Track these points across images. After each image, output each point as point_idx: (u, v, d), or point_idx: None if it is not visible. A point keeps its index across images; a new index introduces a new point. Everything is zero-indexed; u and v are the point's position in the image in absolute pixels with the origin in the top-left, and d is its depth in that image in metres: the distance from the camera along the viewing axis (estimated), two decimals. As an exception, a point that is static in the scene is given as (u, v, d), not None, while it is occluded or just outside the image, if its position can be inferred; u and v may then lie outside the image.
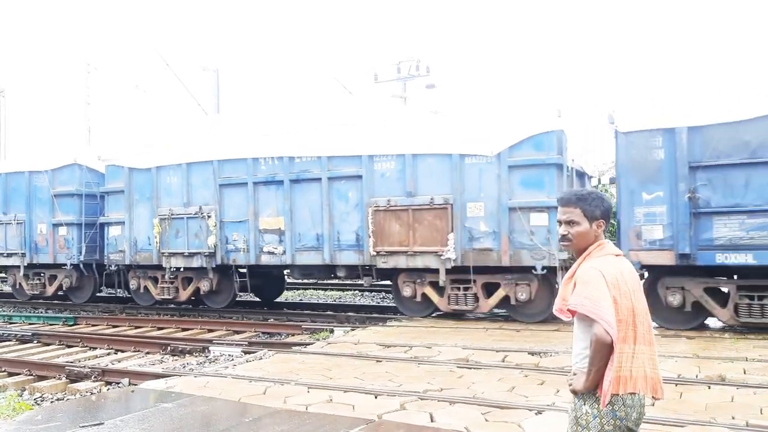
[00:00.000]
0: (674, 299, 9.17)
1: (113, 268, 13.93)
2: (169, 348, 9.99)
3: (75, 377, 8.34)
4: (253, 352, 8.94)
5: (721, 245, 8.77)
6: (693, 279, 9.16)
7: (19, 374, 8.76)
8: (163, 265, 13.12)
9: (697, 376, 6.42)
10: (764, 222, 8.51)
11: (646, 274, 9.50)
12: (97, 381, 8.16)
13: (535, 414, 5.27)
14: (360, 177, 11.22)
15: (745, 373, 6.57)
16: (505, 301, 10.53)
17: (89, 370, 8.38)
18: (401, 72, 28.11)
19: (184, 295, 13.34)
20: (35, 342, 11.09)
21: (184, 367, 8.87)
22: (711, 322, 9.69)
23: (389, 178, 11.04)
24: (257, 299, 15.20)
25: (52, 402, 7.46)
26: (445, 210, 10.44)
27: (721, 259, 8.79)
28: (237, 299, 13.84)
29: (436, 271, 10.64)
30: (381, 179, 11.11)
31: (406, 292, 11.10)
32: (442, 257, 10.47)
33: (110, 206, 13.96)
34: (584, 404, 2.61)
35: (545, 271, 9.90)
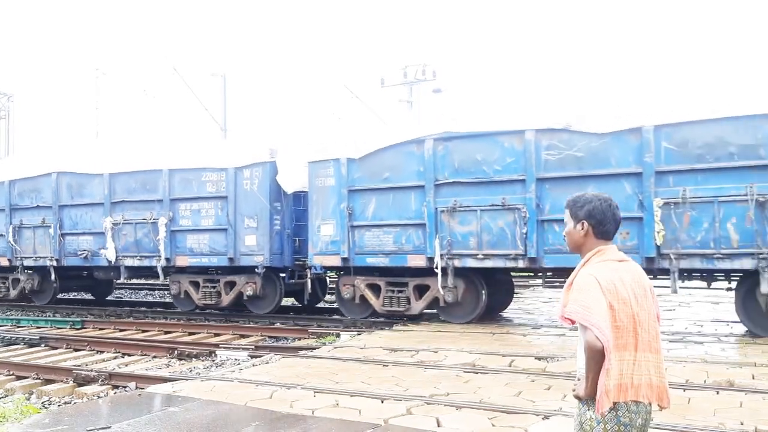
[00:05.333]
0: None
1: None
2: (176, 352, 10.01)
3: (82, 381, 8.36)
4: (260, 356, 8.94)
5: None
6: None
7: (26, 378, 8.79)
8: None
9: (705, 382, 6.38)
10: (94, 239, 14.15)
11: None
12: (104, 385, 8.18)
13: (542, 419, 5.25)
14: None
15: (753, 378, 6.53)
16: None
17: (96, 373, 8.40)
18: (408, 76, 28.13)
19: None
20: (43, 346, 11.13)
21: (190, 371, 8.88)
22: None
23: None
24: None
25: (59, 405, 7.47)
26: None
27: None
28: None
29: None
30: None
31: None
32: None
33: None
34: (588, 410, 2.60)
35: None
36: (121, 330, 12.74)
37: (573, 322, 2.60)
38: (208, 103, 28.61)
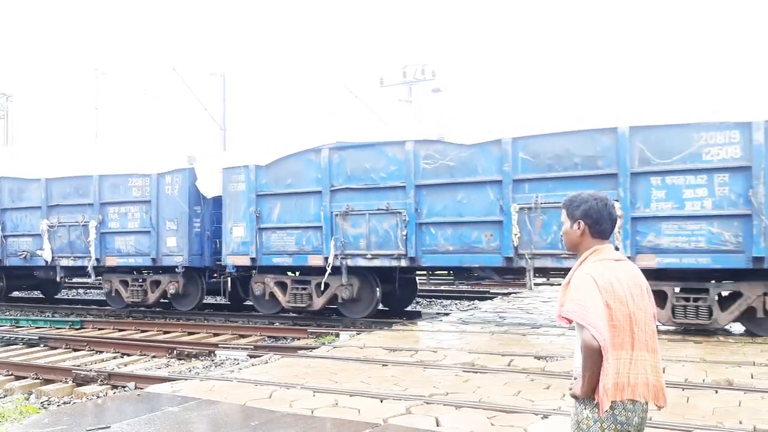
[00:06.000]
0: None
1: None
2: (175, 352, 10.02)
3: (81, 381, 8.36)
4: (259, 356, 8.95)
5: None
6: None
7: (26, 378, 8.79)
8: None
9: (704, 381, 6.38)
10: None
11: None
12: (103, 385, 8.18)
13: (541, 418, 5.26)
14: None
15: (752, 377, 6.54)
16: None
17: (96, 373, 8.40)
18: (407, 76, 28.15)
19: None
20: (42, 346, 11.12)
21: (190, 370, 8.89)
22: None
23: None
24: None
25: (58, 405, 7.48)
26: None
27: None
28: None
29: None
30: None
31: None
32: None
33: None
34: (585, 408, 2.60)
35: None
36: (120, 330, 12.74)
37: (570, 321, 2.61)
38: (208, 103, 28.61)
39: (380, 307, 13.15)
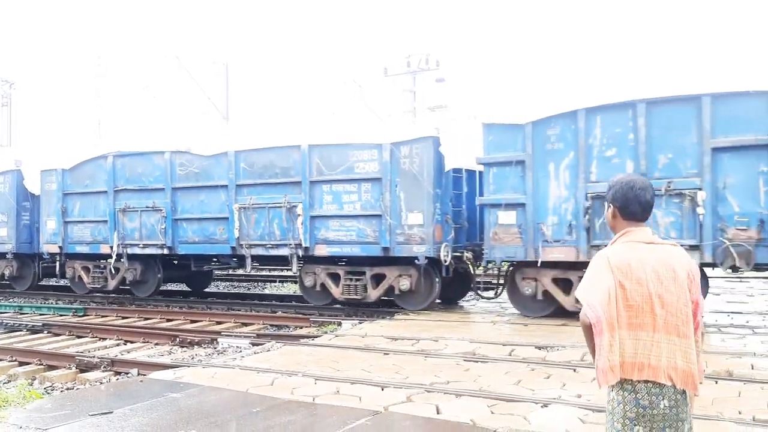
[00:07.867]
0: None
1: None
2: (178, 339, 10.07)
3: (85, 367, 8.42)
4: (261, 344, 8.99)
5: None
6: None
7: (29, 363, 8.85)
8: None
9: (704, 371, 6.38)
10: None
11: None
12: (106, 371, 8.24)
13: (541, 407, 5.29)
14: None
15: (752, 368, 6.56)
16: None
17: (99, 360, 8.46)
18: (411, 66, 28.03)
19: None
20: (46, 332, 11.19)
21: (192, 358, 8.94)
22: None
23: None
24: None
25: (62, 391, 7.55)
26: None
27: None
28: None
29: None
30: None
31: None
32: None
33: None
34: (611, 391, 2.61)
35: None
36: (124, 317, 12.81)
37: None
38: (211, 92, 28.59)
39: (186, 288, 16.54)
